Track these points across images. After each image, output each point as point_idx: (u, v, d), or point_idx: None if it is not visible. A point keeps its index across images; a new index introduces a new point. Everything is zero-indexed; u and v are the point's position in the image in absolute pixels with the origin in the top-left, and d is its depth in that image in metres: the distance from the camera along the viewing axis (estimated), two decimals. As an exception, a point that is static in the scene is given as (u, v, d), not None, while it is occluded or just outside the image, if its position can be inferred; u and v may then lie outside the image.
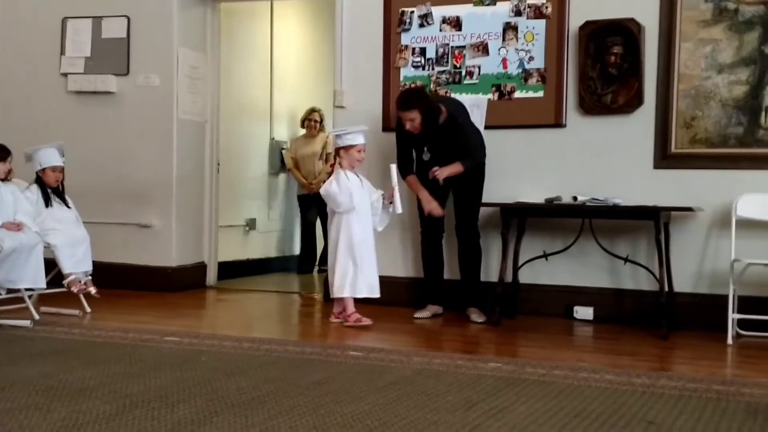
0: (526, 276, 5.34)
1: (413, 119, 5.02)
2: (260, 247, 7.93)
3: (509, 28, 5.42)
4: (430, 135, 5.09)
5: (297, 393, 3.18)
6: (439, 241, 5.34)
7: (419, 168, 5.22)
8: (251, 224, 7.78)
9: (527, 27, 5.38)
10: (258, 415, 2.84)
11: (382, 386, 3.32)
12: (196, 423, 2.73)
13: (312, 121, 7.81)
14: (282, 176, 8.23)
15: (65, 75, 6.48)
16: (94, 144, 6.40)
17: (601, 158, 5.23)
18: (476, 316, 5.14)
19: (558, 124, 5.33)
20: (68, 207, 5.25)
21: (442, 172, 5.03)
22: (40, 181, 5.15)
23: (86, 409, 2.89)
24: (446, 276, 5.41)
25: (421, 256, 5.40)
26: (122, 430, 2.64)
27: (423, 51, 5.63)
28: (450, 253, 5.41)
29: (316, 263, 7.93)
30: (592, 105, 5.26)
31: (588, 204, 4.93)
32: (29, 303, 4.86)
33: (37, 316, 4.82)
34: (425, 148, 5.16)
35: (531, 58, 5.37)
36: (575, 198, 5.04)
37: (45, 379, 3.33)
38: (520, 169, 5.39)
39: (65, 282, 5.07)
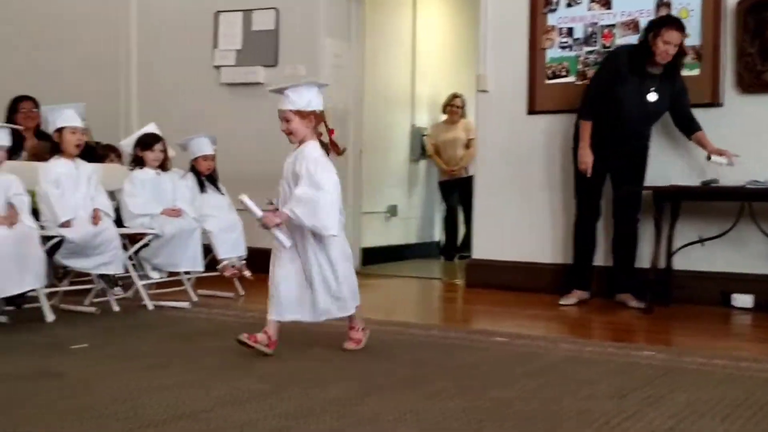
0: (680, 262, 5.12)
1: (676, 44, 4.79)
2: (401, 233, 7.99)
3: (662, 5, 5.19)
4: (654, 75, 4.89)
5: (444, 376, 3.18)
6: (595, 224, 5.20)
7: (638, 109, 4.92)
8: (392, 210, 7.85)
9: (681, 3, 5.14)
10: (408, 396, 2.86)
11: (530, 372, 3.27)
12: (348, 402, 2.78)
13: (454, 106, 7.79)
14: (423, 162, 8.26)
15: (218, 67, 6.74)
16: (245, 134, 6.62)
17: (761, 138, 4.94)
18: (633, 302, 4.99)
19: (714, 103, 5.07)
20: (222, 194, 5.46)
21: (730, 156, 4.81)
22: (194, 169, 5.39)
23: (243, 386, 2.99)
24: (596, 262, 5.27)
25: (573, 239, 5.27)
26: (278, 406, 2.72)
27: (570, 31, 5.49)
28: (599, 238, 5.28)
29: (459, 250, 7.91)
30: (751, 82, 4.97)
31: (748, 186, 4.66)
32: (188, 285, 5.10)
33: (195, 298, 5.05)
34: (652, 88, 4.89)
35: (686, 35, 5.12)
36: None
37: (204, 357, 3.48)
38: (674, 150, 5.16)
39: (219, 267, 5.28)
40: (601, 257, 5.30)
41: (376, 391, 2.93)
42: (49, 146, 4.72)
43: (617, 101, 4.91)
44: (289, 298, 3.52)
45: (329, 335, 4.04)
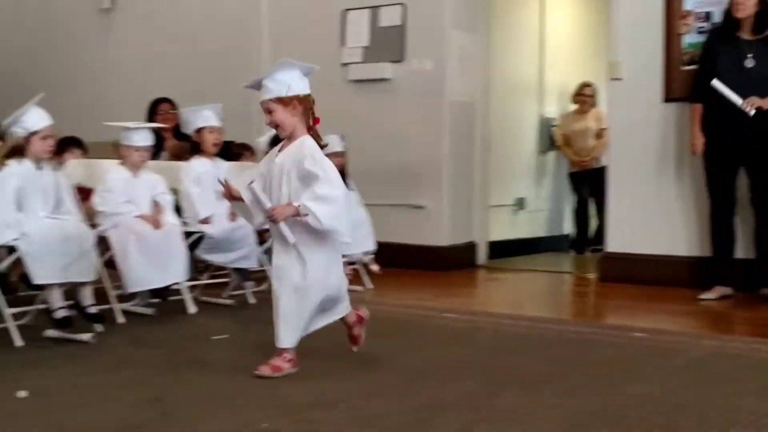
0: (830, 255, 4.81)
1: None
2: (529, 226, 7.88)
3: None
4: (749, 42, 4.72)
5: (581, 372, 3.12)
6: (731, 218, 4.97)
7: (737, 78, 4.71)
8: (520, 203, 7.75)
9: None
10: (544, 391, 2.82)
11: (672, 368, 3.16)
12: (483, 396, 2.77)
13: (584, 95, 7.63)
14: (551, 154, 8.11)
15: (345, 65, 6.84)
16: (373, 130, 6.69)
17: None
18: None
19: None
20: (351, 190, 5.54)
21: (754, 102, 4.61)
22: (327, 165, 5.48)
23: (379, 377, 3.04)
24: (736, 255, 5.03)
25: (711, 232, 5.04)
26: (412, 399, 2.74)
27: (708, 15, 5.26)
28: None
29: (590, 243, 7.73)
30: None
31: None
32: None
33: (326, 291, 5.14)
34: (749, 55, 4.71)
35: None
36: None
37: (339, 348, 3.53)
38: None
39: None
40: (743, 250, 5.05)
41: (511, 385, 2.91)
42: (189, 146, 4.93)
43: (717, 77, 4.72)
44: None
45: (463, 329, 4.03)
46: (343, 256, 5.18)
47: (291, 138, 3.14)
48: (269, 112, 3.10)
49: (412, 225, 6.56)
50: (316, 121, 3.15)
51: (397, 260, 6.34)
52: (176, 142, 5.89)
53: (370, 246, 5.45)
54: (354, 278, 5.41)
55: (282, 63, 3.15)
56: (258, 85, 3.14)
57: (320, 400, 2.71)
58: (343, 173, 5.48)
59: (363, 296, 5.19)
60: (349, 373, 3.09)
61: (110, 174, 4.29)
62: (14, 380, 2.92)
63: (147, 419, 2.51)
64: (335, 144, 5.49)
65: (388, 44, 6.60)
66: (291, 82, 3.10)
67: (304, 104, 3.11)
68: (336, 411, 2.59)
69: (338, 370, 3.14)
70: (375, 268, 5.43)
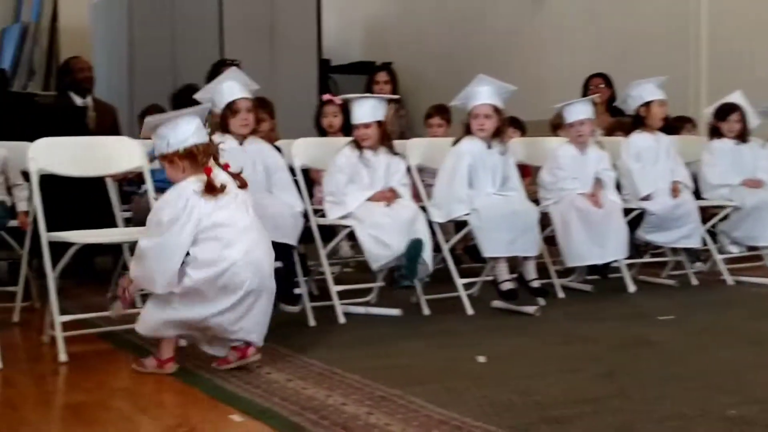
0: None
1: None
2: None
3: None
4: None
5: None
6: None
7: None
8: None
9: None
10: None
11: None
12: None
13: None
14: None
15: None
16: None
17: None
18: None
19: None
20: None
21: None
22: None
23: None
24: None
25: None
26: None
27: None
28: None
29: None
30: None
31: None
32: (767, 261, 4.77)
33: (776, 275, 4.70)
34: None
35: None
36: None
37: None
38: None
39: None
40: None
41: None
42: (627, 121, 4.85)
43: None
44: None
45: None
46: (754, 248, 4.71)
47: None
48: None
49: None
50: (207, 171, 2.75)
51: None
52: (609, 118, 5.81)
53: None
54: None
55: (156, 120, 2.82)
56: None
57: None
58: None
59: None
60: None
61: (559, 151, 4.35)
62: (471, 346, 3.11)
63: (605, 394, 2.49)
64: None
65: None
66: (169, 136, 2.77)
67: (188, 158, 2.75)
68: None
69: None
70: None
